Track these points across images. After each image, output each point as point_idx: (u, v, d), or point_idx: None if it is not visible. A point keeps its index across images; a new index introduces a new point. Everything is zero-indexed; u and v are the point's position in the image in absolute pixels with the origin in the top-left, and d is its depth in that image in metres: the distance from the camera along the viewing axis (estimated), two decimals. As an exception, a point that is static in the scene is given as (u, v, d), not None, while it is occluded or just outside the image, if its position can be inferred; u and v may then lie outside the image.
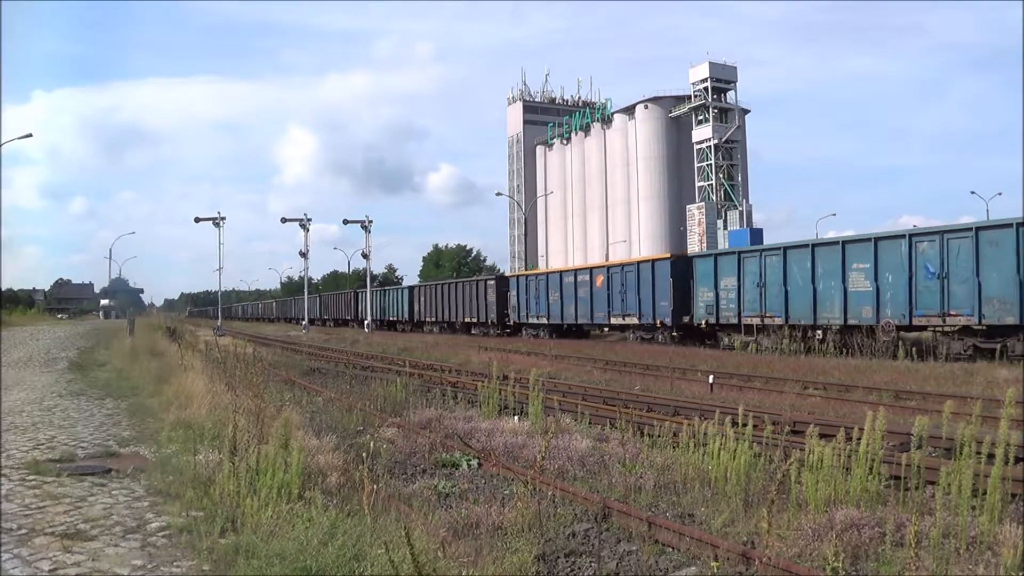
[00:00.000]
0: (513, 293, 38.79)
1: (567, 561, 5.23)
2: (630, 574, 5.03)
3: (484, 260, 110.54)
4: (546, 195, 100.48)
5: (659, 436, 8.18)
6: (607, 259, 74.15)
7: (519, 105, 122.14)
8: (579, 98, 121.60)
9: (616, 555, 5.29)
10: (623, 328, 32.05)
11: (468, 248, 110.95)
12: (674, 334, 27.97)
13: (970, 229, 19.06)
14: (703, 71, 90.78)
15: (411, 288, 50.97)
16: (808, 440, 6.29)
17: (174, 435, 8.15)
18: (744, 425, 7.04)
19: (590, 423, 9.96)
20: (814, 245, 23.79)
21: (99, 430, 9.34)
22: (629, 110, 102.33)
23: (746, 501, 6.15)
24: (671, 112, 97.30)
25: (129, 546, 4.84)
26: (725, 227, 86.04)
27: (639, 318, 29.84)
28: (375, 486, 5.59)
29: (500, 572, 4.44)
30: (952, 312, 19.01)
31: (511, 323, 38.97)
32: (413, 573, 3.36)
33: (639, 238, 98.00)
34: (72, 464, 7.27)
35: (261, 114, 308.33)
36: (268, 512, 5.16)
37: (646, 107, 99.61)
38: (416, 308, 49.59)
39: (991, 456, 5.40)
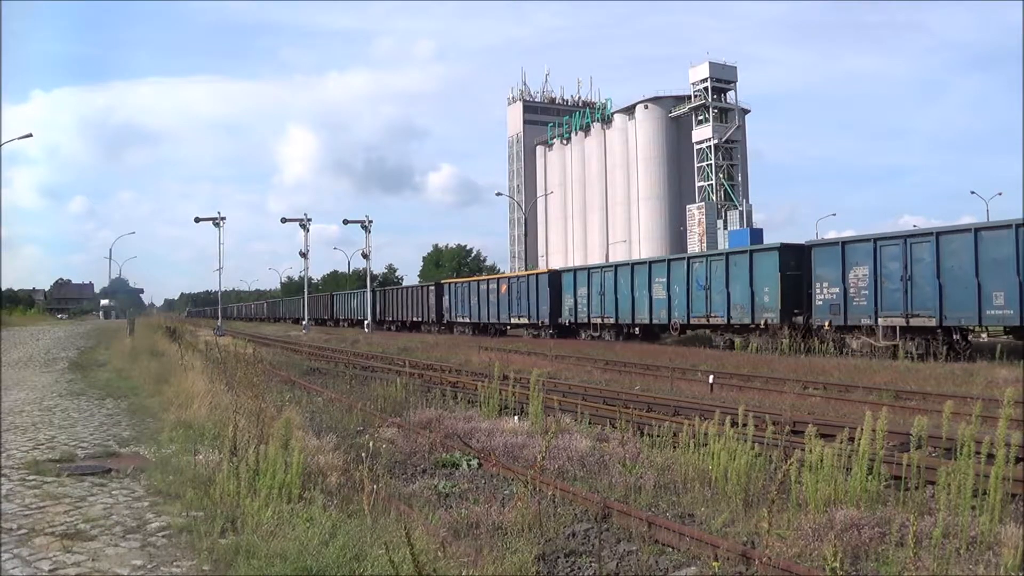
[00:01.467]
0: (447, 297, 46.36)
1: (567, 561, 5.23)
2: (630, 574, 5.03)
3: (484, 260, 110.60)
4: (546, 195, 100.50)
5: (659, 436, 8.17)
6: (607, 259, 74.17)
7: (519, 105, 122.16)
8: (579, 98, 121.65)
9: (616, 555, 5.29)
10: (518, 327, 39.27)
11: (468, 248, 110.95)
12: (551, 331, 35.23)
13: (722, 255, 27.43)
14: (703, 71, 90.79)
15: (374, 292, 58.85)
16: (808, 440, 6.29)
17: (174, 435, 8.15)
18: (744, 425, 7.04)
19: (590, 423, 9.96)
20: (634, 264, 32.03)
21: (99, 430, 9.34)
22: (629, 110, 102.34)
23: (746, 501, 6.16)
24: (671, 112, 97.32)
25: (129, 546, 4.84)
26: (725, 227, 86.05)
27: (528, 319, 37.45)
28: (375, 486, 5.59)
29: (500, 572, 4.44)
30: (713, 314, 26.46)
31: (445, 322, 46.28)
32: (413, 573, 3.36)
33: (639, 238, 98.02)
34: (72, 464, 7.27)
35: (261, 114, 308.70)
36: (268, 512, 5.16)
37: (646, 107, 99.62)
38: (378, 308, 57.18)
39: (991, 456, 5.40)
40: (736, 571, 4.79)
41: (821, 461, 6.02)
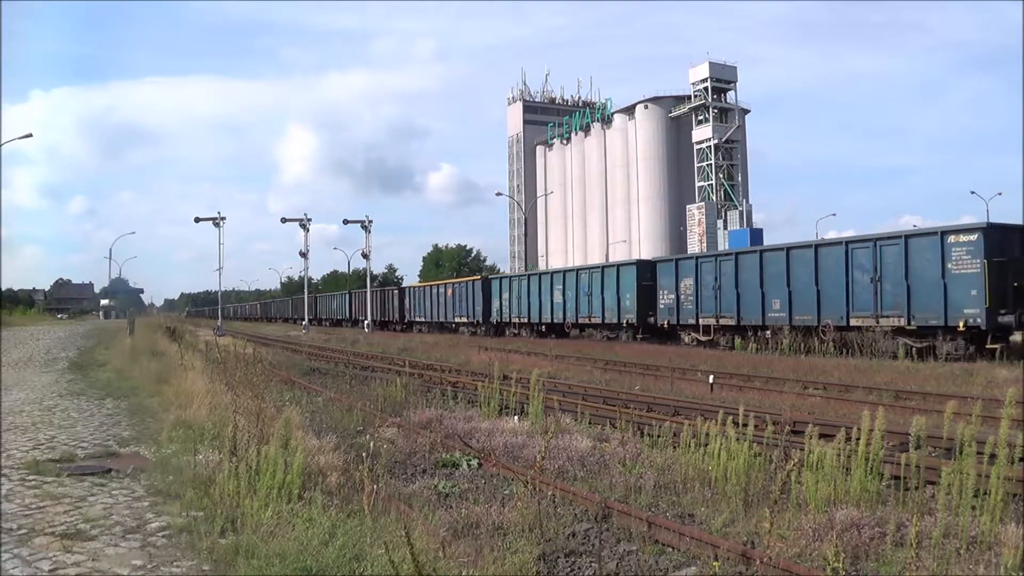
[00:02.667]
0: (408, 300, 53.63)
1: (567, 561, 5.22)
2: (630, 574, 5.03)
3: (484, 260, 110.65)
4: (546, 195, 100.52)
5: (659, 436, 8.17)
6: (607, 259, 74.30)
7: (519, 105, 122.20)
8: (579, 98, 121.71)
9: (616, 555, 5.29)
10: (460, 324, 44.73)
11: (468, 248, 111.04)
12: (483, 328, 41.50)
13: (599, 267, 34.03)
14: (703, 71, 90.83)
15: (349, 293, 68.06)
16: (808, 440, 6.29)
17: (174, 435, 8.16)
18: (745, 425, 7.04)
19: (590, 423, 9.96)
20: (540, 274, 39.01)
21: (99, 430, 9.34)
22: (629, 110, 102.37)
23: (746, 501, 6.15)
24: (671, 112, 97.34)
25: (129, 546, 4.84)
26: (725, 227, 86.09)
27: (467, 318, 43.71)
28: (375, 486, 5.59)
29: (500, 572, 4.43)
30: (593, 315, 32.78)
31: (406, 321, 52.88)
32: (413, 573, 3.36)
33: (639, 238, 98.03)
34: (72, 464, 7.27)
35: (261, 113, 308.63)
36: (268, 512, 5.16)
37: (646, 107, 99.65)
38: (353, 308, 64.04)
39: (992, 456, 5.39)
40: (736, 571, 4.79)
41: (821, 461, 6.02)
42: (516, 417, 10.33)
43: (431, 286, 51.64)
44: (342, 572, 4.17)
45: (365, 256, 55.60)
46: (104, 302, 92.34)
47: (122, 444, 8.40)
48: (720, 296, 26.36)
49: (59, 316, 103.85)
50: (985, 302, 18.56)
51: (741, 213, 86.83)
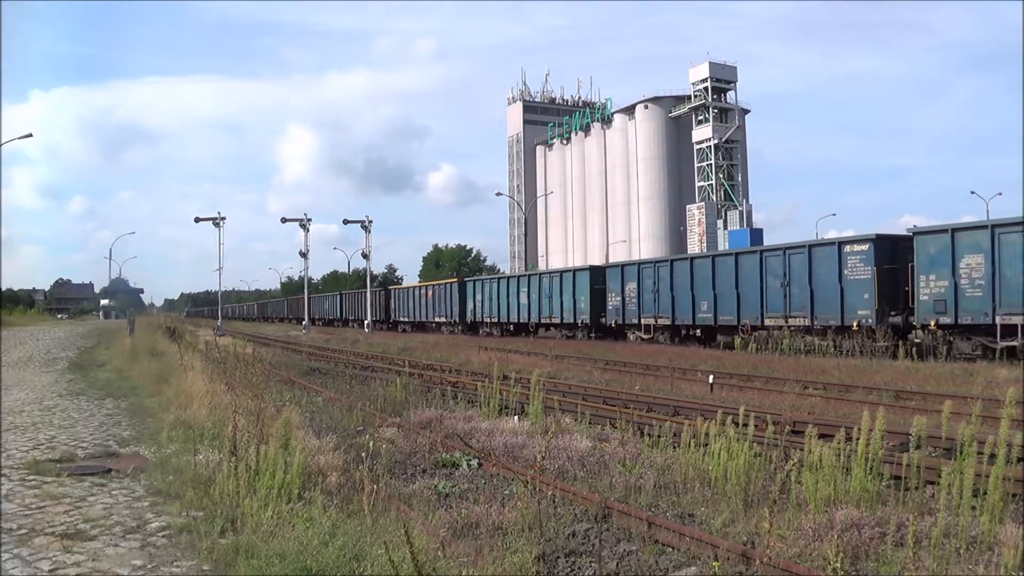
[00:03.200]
0: (393, 300, 57.09)
1: (567, 561, 5.23)
2: (630, 574, 5.03)
3: (484, 260, 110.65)
4: (546, 195, 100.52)
5: (659, 436, 8.17)
6: (607, 259, 74.40)
7: (519, 105, 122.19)
8: (579, 98, 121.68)
9: (616, 555, 5.29)
10: (439, 324, 48.28)
11: (468, 248, 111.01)
12: (459, 327, 44.84)
13: (557, 273, 37.39)
14: (703, 71, 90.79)
15: (341, 294, 72.73)
16: (808, 440, 6.29)
17: (174, 435, 8.16)
18: (745, 425, 7.04)
19: (590, 423, 9.96)
20: (508, 278, 42.55)
21: (99, 430, 9.34)
22: (629, 110, 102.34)
23: (746, 501, 6.15)
24: (671, 112, 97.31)
25: (129, 546, 4.85)
26: (725, 227, 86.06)
27: (445, 318, 47.26)
28: (375, 486, 5.59)
29: (500, 572, 4.43)
30: (552, 315, 36.20)
31: (392, 320, 55.93)
32: (413, 573, 3.36)
33: (639, 238, 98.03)
34: (72, 464, 7.27)
35: (261, 113, 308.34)
36: (268, 512, 5.16)
37: (646, 107, 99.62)
38: (345, 308, 67.58)
39: (992, 456, 5.40)
40: (736, 571, 4.79)
41: (821, 461, 6.02)
42: (516, 417, 10.33)
43: (414, 288, 55.20)
44: (342, 572, 4.17)
45: (365, 256, 55.60)
46: (104, 302, 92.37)
47: (122, 444, 8.40)
48: (658, 299, 29.42)
49: (59, 316, 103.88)
50: (875, 304, 21.10)
51: (741, 213, 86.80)
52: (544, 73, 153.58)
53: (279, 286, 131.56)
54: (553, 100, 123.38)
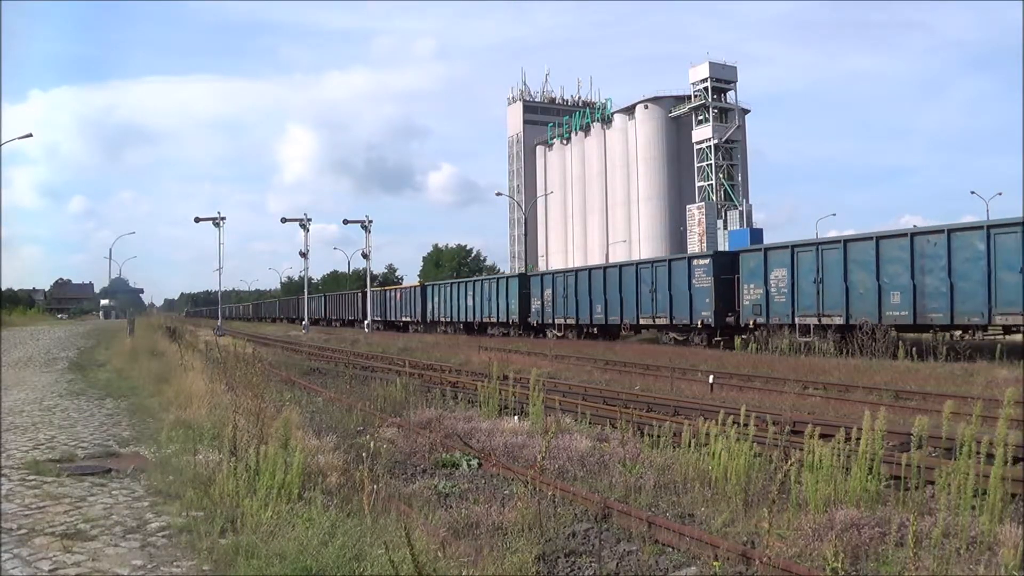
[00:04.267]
0: (379, 301, 59.04)
1: (567, 561, 5.22)
2: (630, 574, 5.03)
3: (484, 260, 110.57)
4: (546, 195, 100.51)
5: (659, 436, 8.17)
6: (607, 259, 74.48)
7: (519, 105, 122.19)
8: (579, 98, 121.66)
9: (616, 555, 5.29)
10: (406, 323, 53.15)
11: (468, 248, 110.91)
12: (420, 326, 49.58)
13: (495, 279, 43.81)
14: (703, 71, 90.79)
15: (325, 295, 77.60)
16: (808, 440, 6.29)
17: (174, 435, 8.15)
18: (745, 425, 7.04)
19: (590, 423, 9.95)
20: (462, 283, 47.11)
21: (99, 430, 9.34)
22: (629, 110, 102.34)
23: (746, 501, 6.15)
24: (671, 112, 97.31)
25: (129, 546, 4.84)
26: (725, 227, 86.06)
27: (411, 318, 52.13)
28: (375, 486, 5.59)
29: (500, 572, 4.43)
30: (489, 316, 41.10)
31: (384, 320, 57.67)
32: (413, 573, 3.36)
33: (639, 238, 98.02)
34: (72, 464, 7.27)
35: (261, 113, 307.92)
36: (268, 512, 5.16)
37: (646, 107, 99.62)
38: (335, 309, 71.22)
39: (991, 456, 5.40)
40: (736, 571, 4.79)
41: (821, 461, 6.02)
42: (516, 417, 10.33)
43: (387, 290, 61.85)
44: (342, 572, 4.17)
45: (365, 256, 55.63)
46: (104, 302, 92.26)
47: (122, 444, 8.40)
48: (566, 303, 34.98)
49: (59, 316, 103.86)
50: (713, 307, 26.41)
51: (741, 213, 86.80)
52: (544, 73, 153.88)
53: (279, 286, 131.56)
54: (553, 100, 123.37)
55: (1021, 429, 7.68)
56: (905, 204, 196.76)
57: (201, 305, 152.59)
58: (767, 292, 24.23)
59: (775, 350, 22.33)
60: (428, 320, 49.11)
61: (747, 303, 25.06)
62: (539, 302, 37.14)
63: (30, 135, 49.43)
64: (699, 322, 26.60)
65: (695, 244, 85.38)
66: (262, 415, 6.84)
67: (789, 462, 5.15)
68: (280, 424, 6.86)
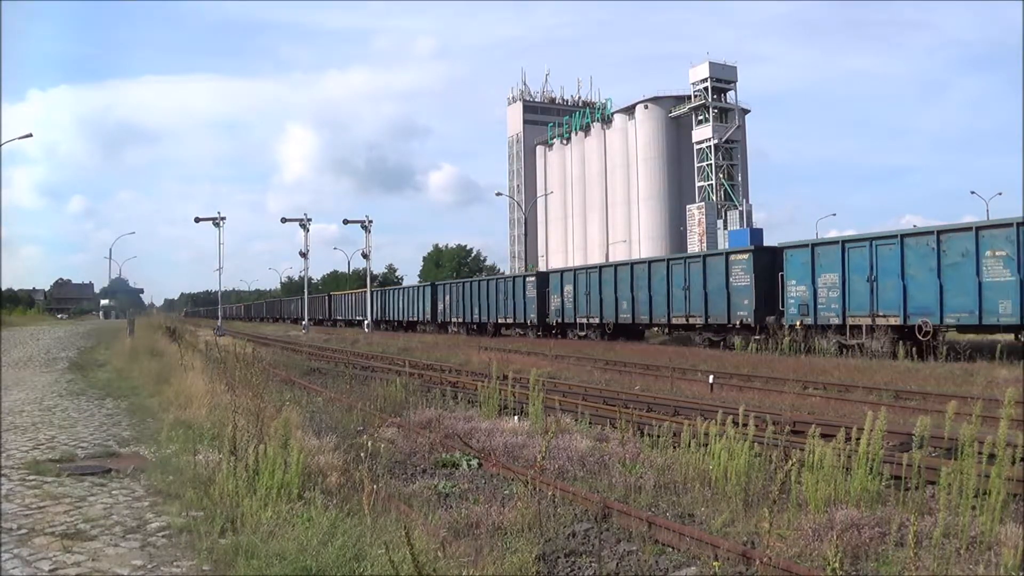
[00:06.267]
0: (378, 302, 59.07)
1: (567, 561, 5.22)
2: (630, 574, 5.03)
3: (484, 260, 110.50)
4: (546, 195, 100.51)
5: (659, 436, 8.16)
6: (607, 259, 74.46)
7: (519, 105, 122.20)
8: (579, 98, 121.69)
9: (616, 555, 5.29)
10: (412, 323, 52.82)
11: (468, 248, 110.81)
12: (429, 325, 48.97)
13: (511, 278, 41.95)
14: (703, 71, 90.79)
15: (329, 295, 76.05)
16: (808, 440, 6.28)
17: (174, 435, 8.14)
18: (745, 425, 7.04)
19: (590, 423, 9.95)
20: (473, 281, 46.15)
21: (99, 430, 9.34)
22: (629, 110, 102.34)
23: (746, 501, 6.15)
24: (671, 112, 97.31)
25: (129, 546, 4.84)
26: (725, 227, 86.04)
27: (417, 318, 51.85)
28: (375, 486, 5.59)
29: (500, 572, 4.43)
30: (507, 316, 40.42)
31: (383, 320, 57.86)
32: (413, 573, 3.36)
33: (639, 238, 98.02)
34: (72, 464, 7.26)
35: (260, 112, 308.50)
36: (268, 512, 5.15)
37: (646, 107, 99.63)
38: (336, 308, 71.27)
39: (992, 456, 5.39)
40: (736, 571, 4.79)
41: (821, 461, 6.02)
42: (516, 417, 10.32)
43: (386, 290, 61.53)
44: (342, 572, 4.17)
45: (365, 256, 55.60)
46: (104, 302, 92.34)
47: (122, 444, 8.40)
48: (589, 301, 33.17)
49: (59, 316, 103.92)
50: (753, 306, 24.78)
51: (741, 213, 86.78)
52: (544, 73, 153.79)
53: (279, 286, 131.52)
54: (553, 100, 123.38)
55: (1022, 429, 7.67)
56: (905, 204, 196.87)
57: (201, 305, 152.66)
58: (814, 291, 22.51)
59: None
60: (439, 321, 47.89)
61: (791, 302, 23.30)
62: (559, 300, 35.19)
63: (30, 135, 49.46)
64: (737, 322, 25.07)
65: (695, 244, 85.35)
66: (262, 415, 6.84)
67: (789, 462, 5.15)
68: (280, 424, 6.85)
